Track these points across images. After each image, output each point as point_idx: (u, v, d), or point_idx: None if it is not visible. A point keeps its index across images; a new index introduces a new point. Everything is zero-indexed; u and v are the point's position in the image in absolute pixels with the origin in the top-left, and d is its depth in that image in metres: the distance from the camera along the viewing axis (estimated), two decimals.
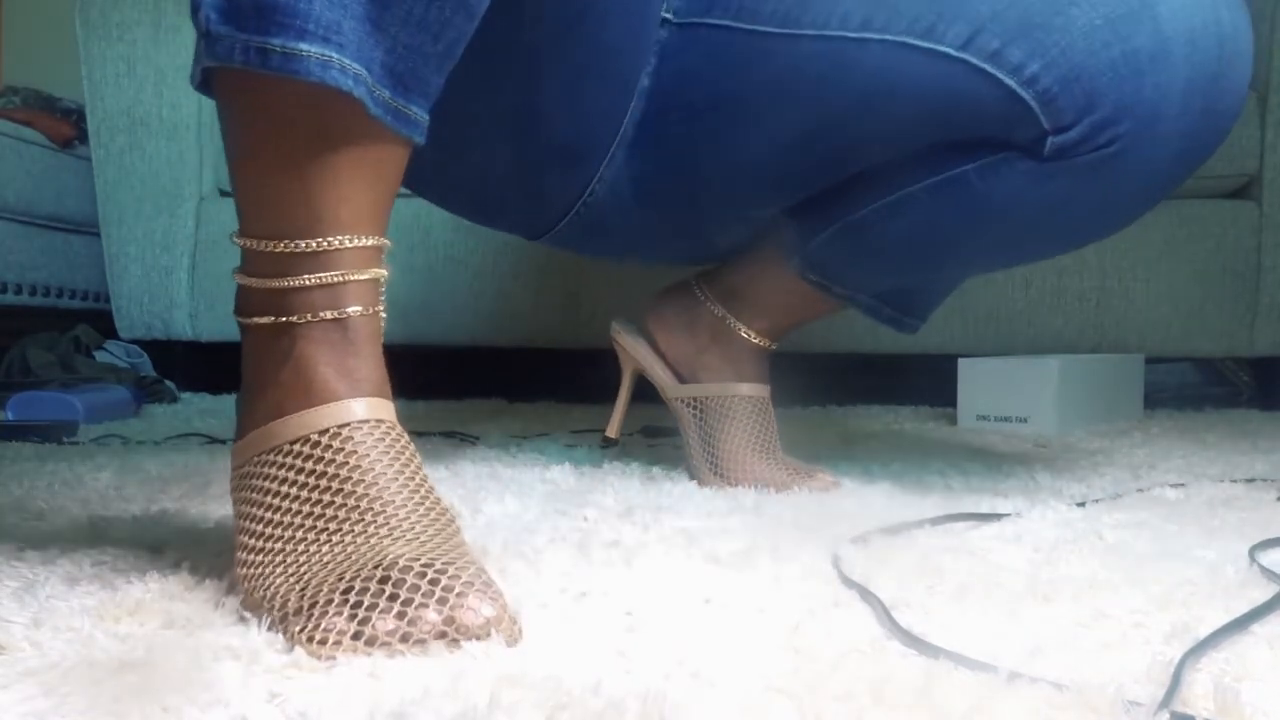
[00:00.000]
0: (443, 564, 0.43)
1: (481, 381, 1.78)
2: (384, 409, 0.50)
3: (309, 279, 0.49)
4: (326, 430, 0.48)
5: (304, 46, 0.46)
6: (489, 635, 0.41)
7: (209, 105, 1.75)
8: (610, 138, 0.82)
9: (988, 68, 0.68)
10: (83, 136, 1.98)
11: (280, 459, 0.49)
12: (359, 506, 0.47)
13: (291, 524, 0.47)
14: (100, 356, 1.68)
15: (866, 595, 0.50)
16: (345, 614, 0.42)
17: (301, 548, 0.46)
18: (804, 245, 0.85)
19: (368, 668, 0.40)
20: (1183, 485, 0.85)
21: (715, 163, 0.82)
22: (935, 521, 0.69)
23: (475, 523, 0.69)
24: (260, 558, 0.47)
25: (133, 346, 1.77)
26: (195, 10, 0.47)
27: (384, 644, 0.41)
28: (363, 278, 0.50)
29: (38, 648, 0.42)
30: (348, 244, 0.49)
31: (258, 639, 0.42)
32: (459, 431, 1.22)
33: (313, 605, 0.43)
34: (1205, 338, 1.59)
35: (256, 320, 0.50)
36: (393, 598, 0.41)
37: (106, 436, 1.16)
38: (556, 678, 0.38)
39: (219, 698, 0.36)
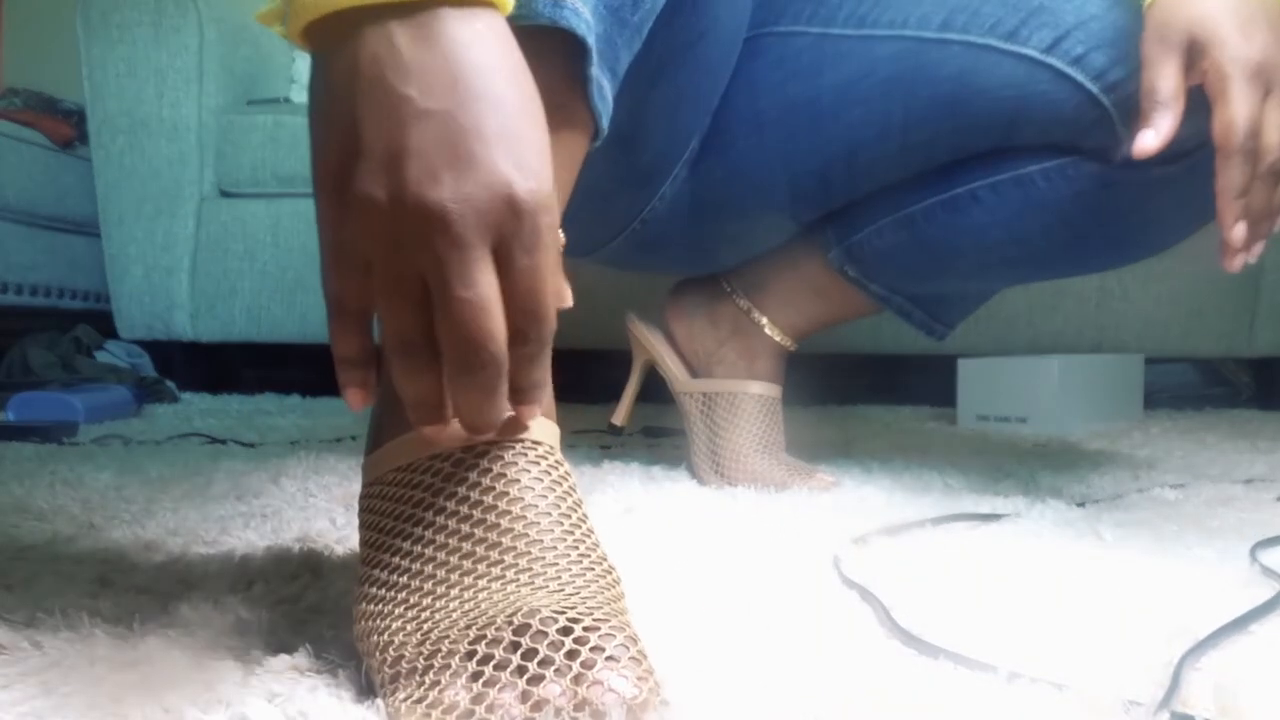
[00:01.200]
0: (590, 623, 0.35)
1: None
2: (547, 431, 0.43)
3: None
4: (474, 448, 0.40)
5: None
6: (622, 716, 0.33)
7: (209, 106, 1.76)
8: (681, 156, 0.81)
9: (1071, 72, 0.69)
10: (83, 137, 1.99)
11: (417, 478, 0.41)
12: (502, 544, 0.39)
13: (422, 556, 0.40)
14: (100, 357, 1.68)
15: (866, 595, 0.50)
16: (463, 681, 0.34)
17: (429, 586, 0.39)
18: (848, 238, 0.84)
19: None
20: (1183, 485, 0.85)
21: (782, 171, 0.81)
22: (935, 521, 0.69)
23: None
24: (383, 592, 0.40)
25: (133, 346, 1.77)
26: None
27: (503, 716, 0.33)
28: None
29: (38, 647, 0.42)
30: None
31: (258, 639, 0.43)
32: None
33: (428, 667, 0.35)
34: (1205, 338, 1.59)
35: None
36: (521, 669, 0.34)
37: (106, 436, 1.16)
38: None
39: (219, 698, 0.36)
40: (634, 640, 0.36)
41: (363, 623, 0.40)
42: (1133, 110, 0.67)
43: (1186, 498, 0.81)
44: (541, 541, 0.39)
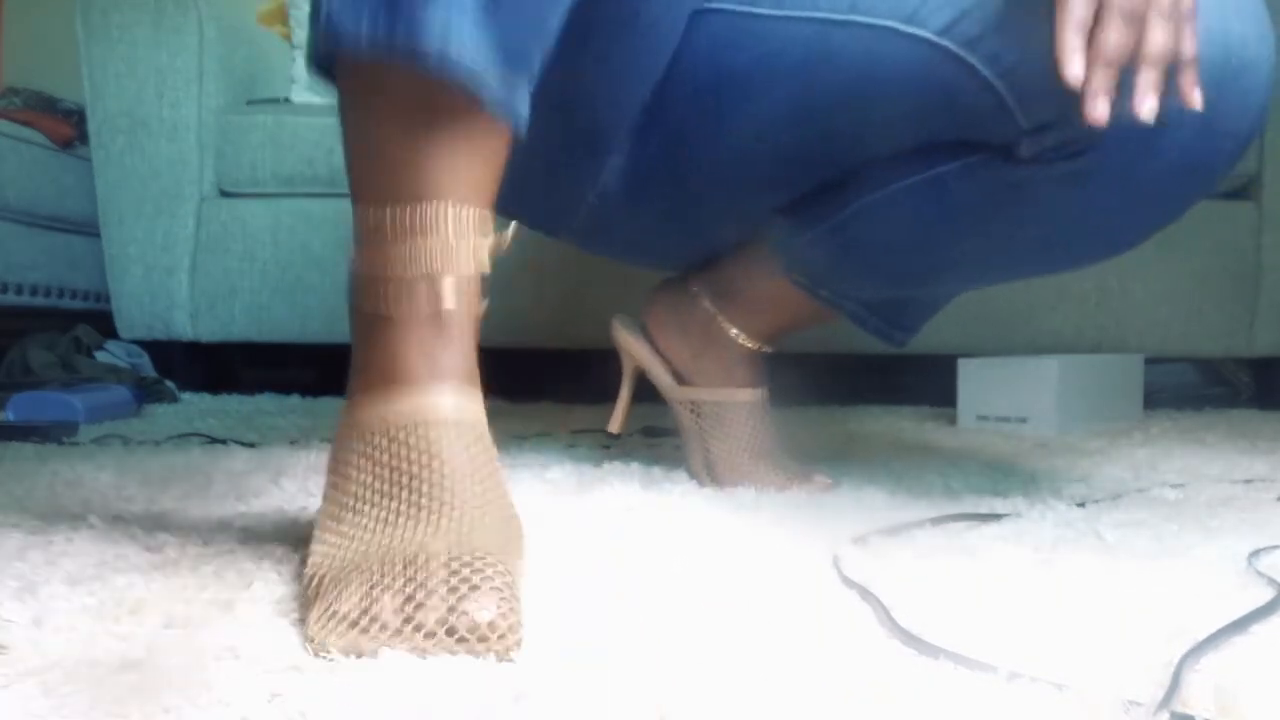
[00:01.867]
0: (471, 559, 0.43)
1: (482, 381, 1.78)
2: (470, 402, 0.52)
3: (407, 246, 0.51)
4: (406, 426, 0.50)
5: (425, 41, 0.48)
6: (487, 640, 0.41)
7: (209, 106, 1.76)
8: (622, 123, 0.80)
9: (964, 54, 0.65)
10: (83, 137, 1.98)
11: (361, 447, 0.51)
12: (422, 503, 0.48)
13: (361, 509, 0.49)
14: (100, 356, 1.68)
15: (866, 595, 0.50)
16: (356, 599, 0.42)
17: (363, 534, 0.48)
18: (791, 244, 0.84)
19: (370, 671, 0.40)
20: (1183, 485, 0.85)
21: (710, 147, 0.80)
22: (935, 521, 0.69)
23: None
24: (326, 535, 0.49)
25: (133, 346, 1.77)
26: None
27: (385, 630, 0.41)
28: (462, 244, 0.51)
29: (38, 648, 0.42)
30: (458, 216, 0.51)
31: (258, 639, 0.43)
32: None
33: (335, 584, 0.44)
34: (1205, 338, 1.59)
35: (365, 305, 0.53)
36: (406, 585, 0.42)
37: (106, 436, 1.16)
38: (555, 687, 0.38)
39: (219, 698, 0.36)
40: (508, 574, 0.44)
41: (309, 553, 0.49)
42: (1031, 97, 0.64)
43: (1186, 498, 0.81)
44: (460, 498, 0.48)
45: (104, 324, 1.79)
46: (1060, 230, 0.73)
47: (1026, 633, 0.45)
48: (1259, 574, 0.55)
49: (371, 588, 0.43)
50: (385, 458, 0.49)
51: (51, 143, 2.09)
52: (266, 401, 1.62)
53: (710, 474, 0.87)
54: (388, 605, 0.42)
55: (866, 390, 1.64)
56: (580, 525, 0.68)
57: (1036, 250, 0.77)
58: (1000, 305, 1.60)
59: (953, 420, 1.39)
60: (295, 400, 1.64)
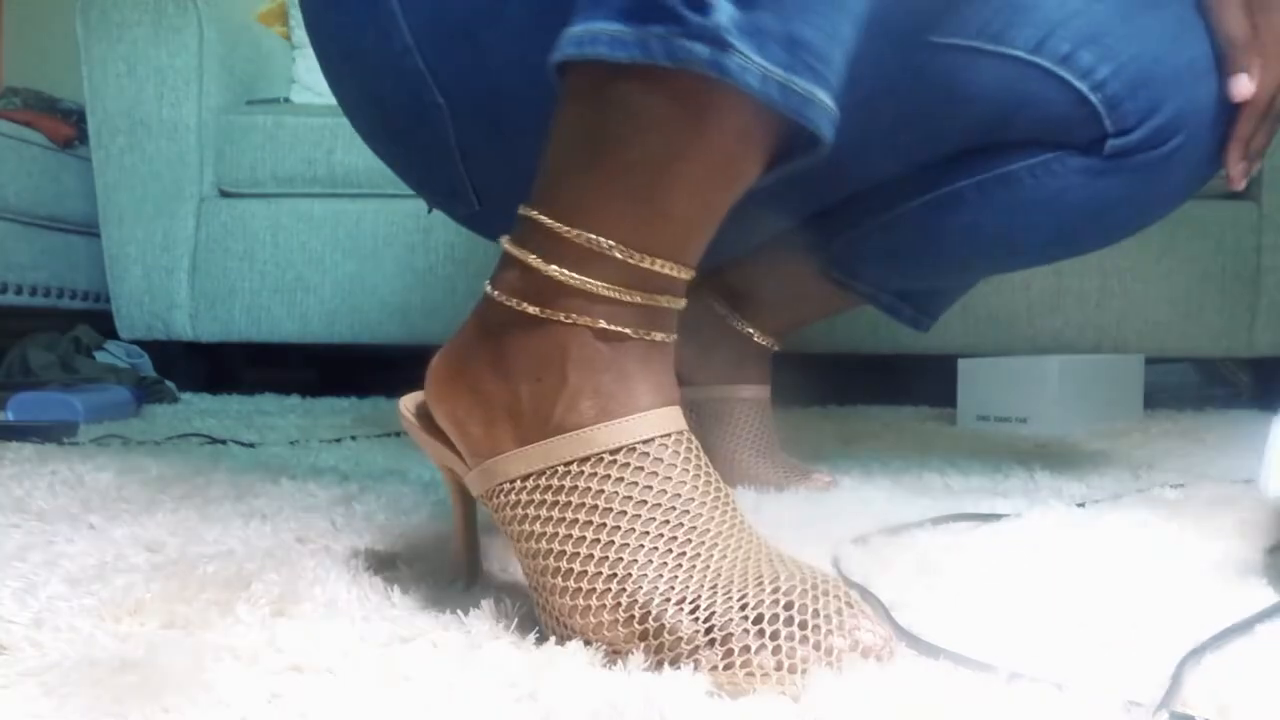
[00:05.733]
0: (824, 589, 0.41)
1: None
2: (681, 419, 0.47)
3: (641, 298, 0.45)
4: (652, 440, 0.44)
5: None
6: (888, 654, 0.40)
7: (209, 106, 1.76)
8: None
9: (1059, 71, 0.71)
10: (83, 137, 1.99)
11: (600, 470, 0.44)
12: (682, 524, 0.43)
13: (626, 536, 0.43)
14: (100, 357, 1.68)
15: (866, 595, 0.50)
16: (766, 645, 0.39)
17: (638, 560, 0.42)
18: (830, 242, 0.85)
19: (370, 671, 0.40)
20: (1183, 485, 0.85)
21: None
22: (935, 521, 0.68)
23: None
24: (588, 569, 0.42)
25: (133, 347, 1.77)
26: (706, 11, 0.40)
27: (803, 671, 0.38)
28: (677, 306, 0.47)
29: (38, 648, 0.42)
30: (680, 274, 0.46)
31: (258, 639, 0.42)
32: None
33: (727, 637, 0.39)
34: (1205, 338, 1.59)
35: (557, 316, 0.45)
36: (803, 625, 0.39)
37: (106, 436, 1.16)
38: (556, 679, 0.38)
39: (219, 698, 0.36)
40: (849, 598, 0.41)
41: (567, 603, 0.43)
42: (1118, 104, 0.70)
43: (1186, 498, 0.81)
44: (713, 519, 0.44)
45: (104, 324, 1.79)
46: (1118, 213, 0.78)
47: (1026, 633, 0.45)
48: (1259, 574, 0.55)
49: (771, 637, 0.39)
50: (629, 475, 0.44)
51: (51, 143, 2.09)
52: (266, 401, 1.62)
53: None
54: (799, 654, 0.39)
55: (866, 390, 1.64)
56: None
57: (1089, 233, 0.81)
58: (1000, 305, 1.60)
59: (953, 420, 1.39)
60: (295, 400, 1.64)
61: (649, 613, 0.41)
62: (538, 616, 0.45)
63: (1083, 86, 0.70)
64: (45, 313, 2.04)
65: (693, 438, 0.46)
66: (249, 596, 0.49)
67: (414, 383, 0.53)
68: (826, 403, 1.59)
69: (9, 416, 1.30)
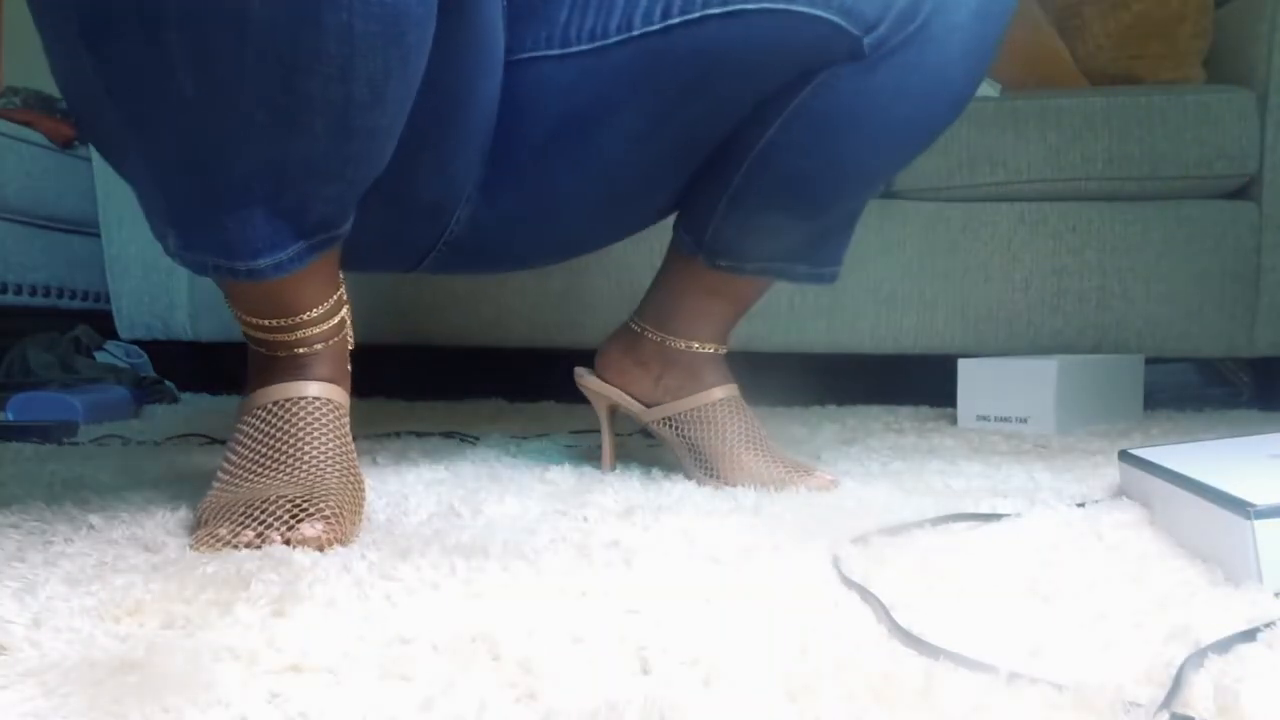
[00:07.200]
0: (310, 498, 0.62)
1: (481, 381, 1.78)
2: (335, 392, 0.72)
3: (285, 336, 0.70)
4: (279, 401, 0.70)
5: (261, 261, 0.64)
6: (320, 548, 0.59)
7: None
8: (461, 196, 0.85)
9: (781, 5, 0.72)
10: (83, 137, 1.99)
11: (249, 418, 0.70)
12: (286, 461, 0.67)
13: (243, 465, 0.68)
14: (100, 357, 1.68)
15: (866, 595, 0.50)
16: (228, 527, 0.60)
17: (240, 482, 0.66)
18: (701, 236, 0.87)
19: (370, 671, 0.40)
20: None
21: (574, 181, 0.85)
22: (935, 521, 0.69)
23: (475, 523, 0.69)
24: (218, 484, 0.67)
25: (133, 347, 1.77)
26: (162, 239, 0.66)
27: (248, 547, 0.59)
28: (323, 328, 0.71)
29: (38, 648, 0.42)
30: (313, 315, 0.70)
31: (258, 639, 0.43)
32: (459, 432, 1.22)
33: (214, 518, 0.62)
34: (1205, 338, 1.59)
35: (255, 348, 0.73)
36: (260, 520, 0.61)
37: (106, 436, 1.16)
38: (556, 679, 0.38)
39: (219, 698, 0.36)
40: (333, 506, 0.63)
41: (207, 497, 0.67)
42: (851, 8, 0.71)
43: None
44: (315, 458, 0.67)
45: (104, 324, 1.79)
46: (907, 106, 0.78)
47: (1026, 633, 0.45)
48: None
49: (240, 518, 0.61)
50: (262, 425, 0.69)
51: (51, 143, 2.09)
52: None
53: (711, 472, 0.87)
54: (249, 531, 0.60)
55: (866, 390, 1.64)
56: (580, 525, 0.68)
57: (894, 132, 0.81)
58: (1000, 305, 1.60)
59: (953, 420, 1.39)
60: None
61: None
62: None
63: (807, 9, 0.72)
64: (45, 313, 2.04)
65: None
66: (248, 596, 0.49)
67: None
68: (826, 403, 1.59)
69: (9, 416, 1.30)
